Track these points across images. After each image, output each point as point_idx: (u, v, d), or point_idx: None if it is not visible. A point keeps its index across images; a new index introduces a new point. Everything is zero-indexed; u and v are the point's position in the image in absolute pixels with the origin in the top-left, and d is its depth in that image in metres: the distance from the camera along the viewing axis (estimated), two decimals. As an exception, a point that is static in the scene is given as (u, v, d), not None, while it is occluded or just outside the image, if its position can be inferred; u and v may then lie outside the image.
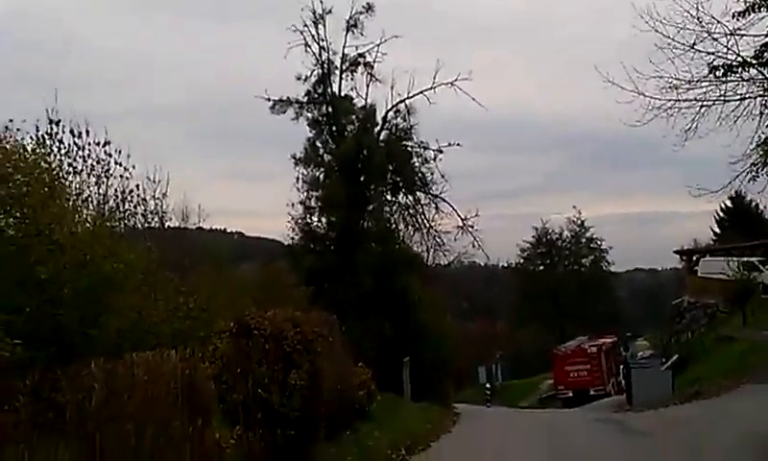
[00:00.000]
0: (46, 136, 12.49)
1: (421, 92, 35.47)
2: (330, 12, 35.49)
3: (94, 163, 13.59)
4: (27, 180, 10.37)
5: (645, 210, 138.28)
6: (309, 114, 36.30)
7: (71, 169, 12.99)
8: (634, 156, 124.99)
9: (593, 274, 74.79)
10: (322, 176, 36.14)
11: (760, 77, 21.64)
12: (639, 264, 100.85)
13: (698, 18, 20.82)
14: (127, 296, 11.51)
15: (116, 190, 14.42)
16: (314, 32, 35.54)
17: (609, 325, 55.63)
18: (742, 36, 21.13)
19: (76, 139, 13.21)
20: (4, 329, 8.20)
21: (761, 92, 21.69)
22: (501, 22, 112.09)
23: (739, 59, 21.32)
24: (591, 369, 45.35)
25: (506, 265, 79.24)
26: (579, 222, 75.65)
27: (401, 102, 35.96)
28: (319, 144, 36.60)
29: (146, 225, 16.41)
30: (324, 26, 35.65)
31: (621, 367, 36.24)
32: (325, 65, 35.89)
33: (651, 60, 21.68)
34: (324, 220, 36.04)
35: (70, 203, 12.12)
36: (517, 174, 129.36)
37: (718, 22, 20.93)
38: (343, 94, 36.36)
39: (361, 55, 35.97)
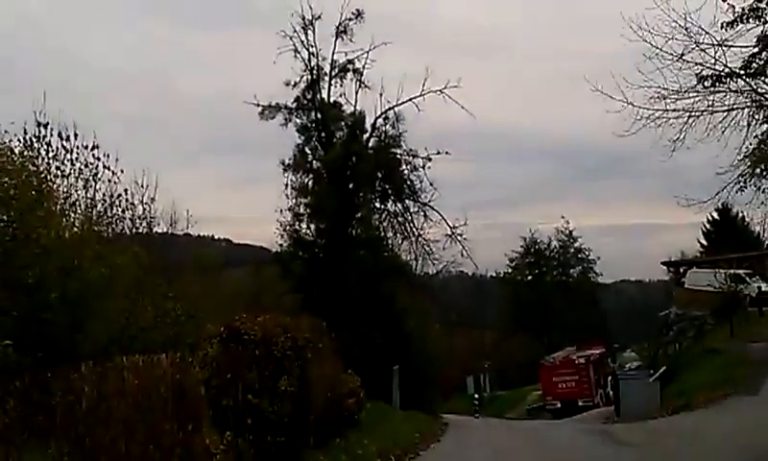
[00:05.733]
0: (34, 139, 12.34)
1: (410, 99, 35.48)
2: (320, 17, 35.52)
3: (82, 167, 13.44)
4: (14, 182, 10.22)
5: (632, 222, 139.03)
6: (298, 120, 36.26)
7: (59, 172, 12.83)
8: (622, 167, 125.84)
9: (581, 285, 74.76)
10: (310, 182, 36.07)
11: (748, 88, 21.81)
12: (627, 276, 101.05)
13: (686, 28, 21.00)
14: (115, 301, 11.38)
15: (104, 194, 14.25)
16: (303, 38, 35.54)
17: (596, 336, 55.62)
18: (730, 47, 21.34)
19: (64, 142, 13.05)
20: None
21: (749, 103, 21.85)
22: (490, 34, 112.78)
23: (727, 69, 21.49)
24: (580, 380, 45.34)
25: (494, 275, 79.11)
26: (567, 232, 75.63)
27: (390, 109, 35.95)
28: (308, 150, 36.55)
29: (134, 230, 16.26)
30: (314, 32, 35.68)
31: (609, 378, 36.24)
32: (314, 71, 35.83)
33: (640, 70, 21.85)
34: (312, 227, 35.95)
35: (58, 206, 11.97)
36: (505, 183, 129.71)
37: (706, 33, 21.12)
38: (332, 101, 36.33)
39: (350, 61, 35.95)
